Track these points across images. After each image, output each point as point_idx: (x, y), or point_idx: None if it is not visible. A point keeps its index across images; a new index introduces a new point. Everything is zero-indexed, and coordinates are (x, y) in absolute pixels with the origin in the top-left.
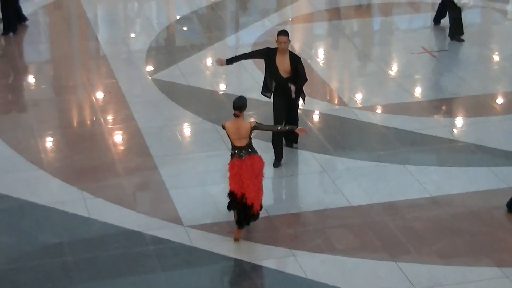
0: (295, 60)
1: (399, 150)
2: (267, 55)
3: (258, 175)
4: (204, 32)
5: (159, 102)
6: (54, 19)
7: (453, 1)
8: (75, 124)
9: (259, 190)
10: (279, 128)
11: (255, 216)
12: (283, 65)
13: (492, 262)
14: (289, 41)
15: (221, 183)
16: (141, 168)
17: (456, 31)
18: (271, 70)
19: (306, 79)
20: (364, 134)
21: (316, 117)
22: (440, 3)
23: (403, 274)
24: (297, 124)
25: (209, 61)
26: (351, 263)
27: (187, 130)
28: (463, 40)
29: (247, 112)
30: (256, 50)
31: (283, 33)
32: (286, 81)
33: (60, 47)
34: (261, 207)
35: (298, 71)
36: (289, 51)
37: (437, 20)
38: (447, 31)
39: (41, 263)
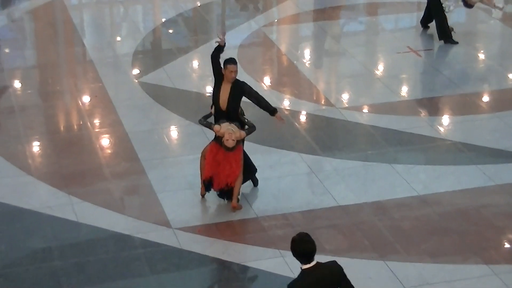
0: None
1: (386, 149)
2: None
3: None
4: (190, 34)
5: (146, 106)
6: (39, 24)
7: (439, 6)
8: (62, 129)
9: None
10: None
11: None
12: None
13: (481, 260)
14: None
15: None
16: (129, 172)
17: (447, 35)
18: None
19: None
20: (351, 134)
21: (303, 117)
22: (426, 8)
23: (392, 274)
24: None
25: (195, 64)
26: (340, 263)
27: (174, 133)
28: (457, 42)
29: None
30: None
31: (233, 61)
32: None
33: (46, 52)
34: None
35: (252, 96)
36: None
37: (424, 23)
38: (434, 31)
39: (30, 269)
